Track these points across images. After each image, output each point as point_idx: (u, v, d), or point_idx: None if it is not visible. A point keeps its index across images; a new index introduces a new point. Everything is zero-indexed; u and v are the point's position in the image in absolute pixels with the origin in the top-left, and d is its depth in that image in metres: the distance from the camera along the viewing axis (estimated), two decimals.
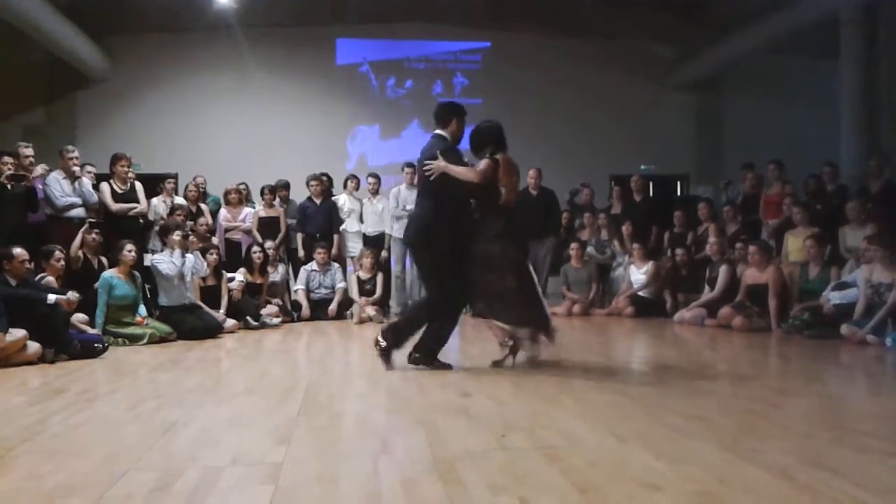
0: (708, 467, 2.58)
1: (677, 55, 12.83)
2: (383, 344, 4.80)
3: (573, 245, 9.36)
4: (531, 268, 4.98)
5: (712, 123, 13.09)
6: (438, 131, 4.96)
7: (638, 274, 8.98)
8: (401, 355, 4.88)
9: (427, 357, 4.84)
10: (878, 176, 7.93)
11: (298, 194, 9.43)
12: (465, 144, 5.04)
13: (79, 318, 6.16)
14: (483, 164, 4.77)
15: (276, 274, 8.58)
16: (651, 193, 11.18)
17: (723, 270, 7.86)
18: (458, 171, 4.72)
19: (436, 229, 4.77)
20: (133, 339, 6.41)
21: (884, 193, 7.75)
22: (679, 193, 13.23)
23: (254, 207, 9.18)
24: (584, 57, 12.45)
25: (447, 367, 4.83)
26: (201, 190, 9.14)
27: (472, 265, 4.76)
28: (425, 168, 4.75)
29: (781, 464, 2.58)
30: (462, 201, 4.87)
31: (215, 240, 8.44)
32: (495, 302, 4.78)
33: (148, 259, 7.18)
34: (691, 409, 3.51)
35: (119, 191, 7.79)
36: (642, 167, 12.03)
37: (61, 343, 5.46)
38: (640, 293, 8.89)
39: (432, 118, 5.05)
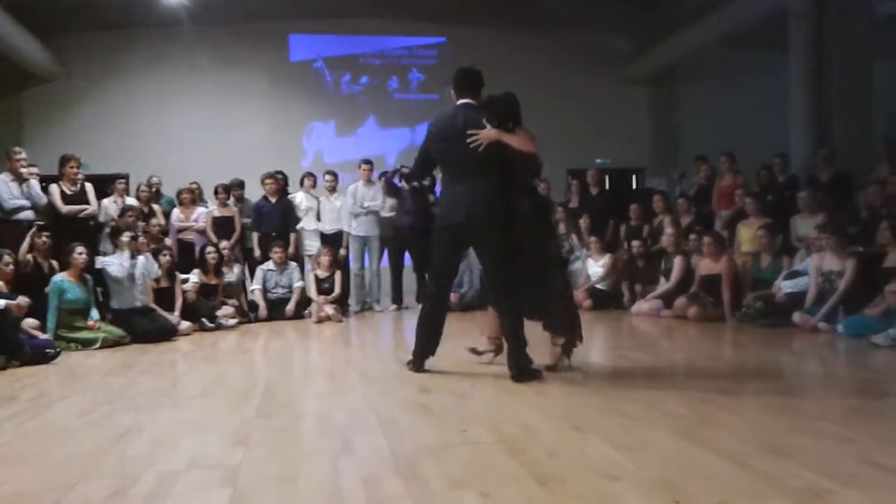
0: (666, 456, 2.61)
1: (632, 49, 12.93)
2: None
3: None
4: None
5: (666, 116, 13.24)
6: (468, 100, 4.39)
7: (595, 267, 9.04)
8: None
9: (529, 371, 4.23)
10: (828, 166, 8.09)
11: (253, 193, 9.32)
12: None
13: (29, 322, 6.00)
14: (526, 135, 4.26)
15: (232, 274, 8.47)
16: (607, 187, 11.27)
17: (677, 262, 7.95)
18: (514, 140, 4.18)
19: (503, 208, 4.24)
20: (85, 344, 6.28)
21: (833, 183, 7.91)
22: (635, 186, 13.37)
23: (207, 207, 9.05)
24: (541, 51, 12.48)
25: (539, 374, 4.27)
26: (154, 190, 9.00)
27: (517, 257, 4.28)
28: (471, 140, 4.18)
29: (738, 451, 2.62)
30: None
31: (168, 241, 8.30)
32: (540, 302, 4.35)
33: (99, 262, 7.04)
34: (649, 399, 3.55)
35: (69, 192, 7.62)
36: (598, 161, 12.13)
37: (12, 349, 5.33)
38: (598, 286, 8.96)
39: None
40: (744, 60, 12.31)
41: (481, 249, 4.44)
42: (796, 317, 6.44)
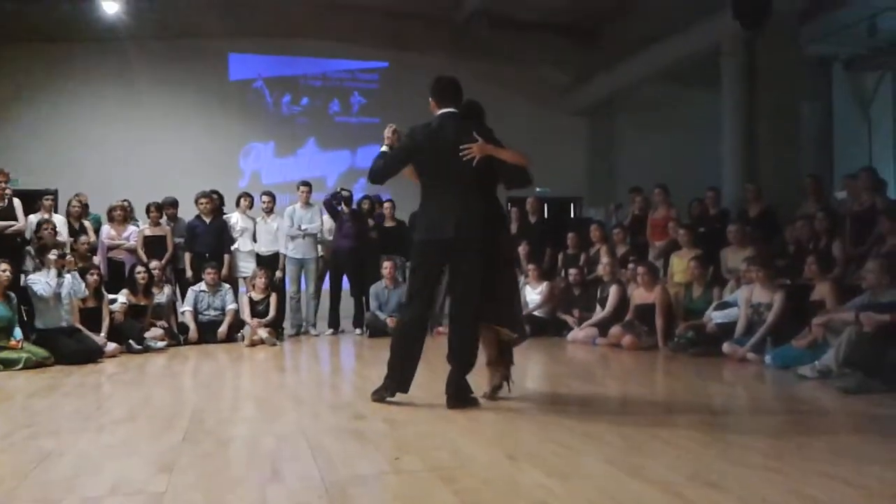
0: (597, 484, 2.62)
1: (572, 81, 13.15)
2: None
3: None
4: None
5: (603, 148, 13.45)
6: (453, 109, 4.29)
7: (533, 294, 9.10)
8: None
9: (465, 398, 4.17)
10: (757, 200, 8.32)
11: (187, 212, 9.13)
12: None
13: None
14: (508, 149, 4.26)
15: (162, 295, 8.23)
16: (546, 215, 11.38)
17: (613, 290, 8.06)
18: (506, 154, 4.19)
19: (484, 224, 4.14)
20: (8, 364, 6.04)
21: (762, 217, 8.14)
22: (573, 215, 13.55)
23: (138, 225, 8.83)
24: (483, 80, 12.46)
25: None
26: (83, 203, 8.74)
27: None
28: (464, 152, 4.09)
29: (667, 479, 2.64)
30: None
31: (97, 259, 8.07)
32: (504, 306, 4.29)
33: (25, 279, 6.80)
34: (582, 427, 3.57)
35: None
36: (538, 189, 12.23)
37: None
38: (535, 313, 9.01)
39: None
40: (678, 96, 12.63)
41: (463, 266, 4.16)
42: (726, 347, 6.56)
